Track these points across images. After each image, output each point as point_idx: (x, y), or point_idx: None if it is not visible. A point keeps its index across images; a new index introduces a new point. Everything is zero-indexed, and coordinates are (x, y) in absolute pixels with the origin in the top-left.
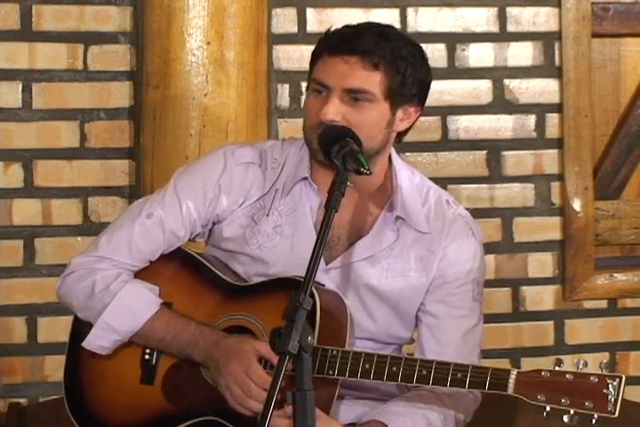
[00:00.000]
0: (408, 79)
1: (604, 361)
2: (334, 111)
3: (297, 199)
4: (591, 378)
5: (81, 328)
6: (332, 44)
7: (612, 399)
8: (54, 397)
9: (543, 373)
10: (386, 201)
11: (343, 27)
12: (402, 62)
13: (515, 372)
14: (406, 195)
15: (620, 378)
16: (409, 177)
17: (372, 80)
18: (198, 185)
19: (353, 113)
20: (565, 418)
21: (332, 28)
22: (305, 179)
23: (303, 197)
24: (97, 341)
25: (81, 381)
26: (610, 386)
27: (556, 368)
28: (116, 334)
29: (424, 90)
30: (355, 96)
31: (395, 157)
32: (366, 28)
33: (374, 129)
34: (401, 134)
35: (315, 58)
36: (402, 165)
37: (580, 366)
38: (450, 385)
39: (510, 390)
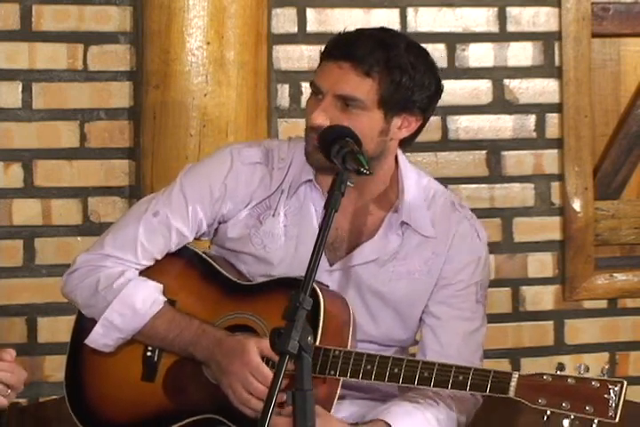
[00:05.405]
0: (403, 88)
1: (606, 366)
2: (323, 116)
3: (302, 200)
4: (592, 383)
5: (84, 325)
6: (331, 49)
7: (613, 405)
8: (54, 397)
9: (545, 376)
10: (391, 204)
11: (355, 31)
12: (397, 71)
13: (516, 375)
14: (412, 199)
15: (622, 384)
16: (416, 180)
17: (363, 87)
18: (204, 184)
19: (343, 119)
20: (565, 422)
21: (343, 32)
22: (309, 181)
23: (308, 199)
24: (100, 339)
25: (82, 376)
26: (611, 391)
27: (558, 373)
28: (118, 332)
29: (427, 99)
30: (346, 102)
31: (402, 160)
32: (367, 34)
33: (365, 137)
34: (405, 141)
35: (319, 61)
36: (409, 168)
37: (582, 371)
38: (451, 387)
39: (511, 394)
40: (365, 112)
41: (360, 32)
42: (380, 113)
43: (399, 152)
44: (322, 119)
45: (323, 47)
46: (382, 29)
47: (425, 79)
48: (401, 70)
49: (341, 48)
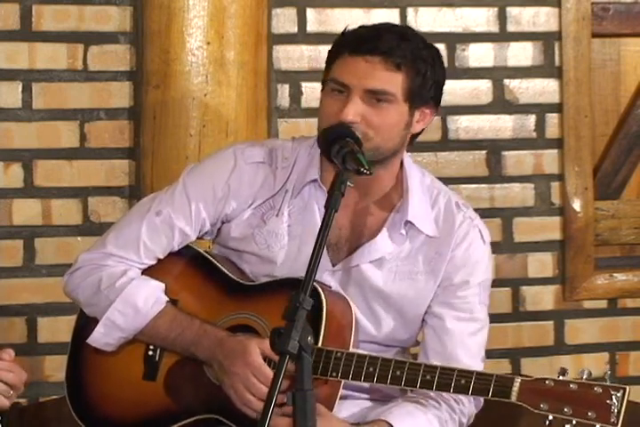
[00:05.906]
0: (428, 81)
1: (608, 372)
2: (354, 112)
3: (306, 200)
4: (595, 388)
5: (85, 324)
6: (354, 44)
7: (615, 411)
8: (54, 397)
9: (547, 381)
10: (395, 204)
11: (360, 27)
12: (422, 63)
13: (519, 380)
14: (416, 198)
15: (624, 389)
16: (420, 179)
17: (394, 81)
18: (208, 184)
19: (373, 114)
20: None
21: (349, 28)
22: (314, 181)
23: (312, 199)
24: (102, 338)
25: (83, 375)
26: (613, 397)
27: (560, 378)
28: (120, 331)
29: (440, 91)
30: (376, 97)
31: (406, 159)
32: (387, 28)
33: (393, 130)
34: (414, 137)
35: (333, 57)
36: (413, 166)
37: (584, 376)
38: (453, 391)
39: (514, 398)
40: (394, 106)
41: (376, 27)
42: (406, 106)
43: (403, 151)
44: (353, 115)
45: (323, 47)
46: (393, 24)
47: (441, 72)
48: (425, 63)
49: (365, 42)
